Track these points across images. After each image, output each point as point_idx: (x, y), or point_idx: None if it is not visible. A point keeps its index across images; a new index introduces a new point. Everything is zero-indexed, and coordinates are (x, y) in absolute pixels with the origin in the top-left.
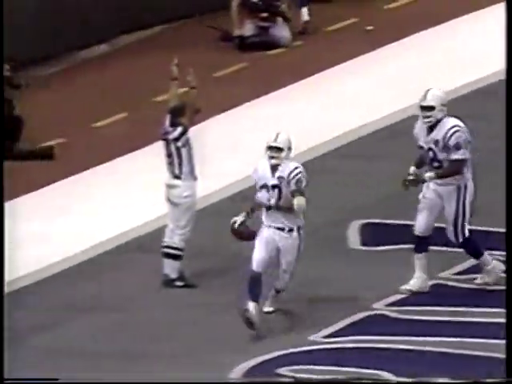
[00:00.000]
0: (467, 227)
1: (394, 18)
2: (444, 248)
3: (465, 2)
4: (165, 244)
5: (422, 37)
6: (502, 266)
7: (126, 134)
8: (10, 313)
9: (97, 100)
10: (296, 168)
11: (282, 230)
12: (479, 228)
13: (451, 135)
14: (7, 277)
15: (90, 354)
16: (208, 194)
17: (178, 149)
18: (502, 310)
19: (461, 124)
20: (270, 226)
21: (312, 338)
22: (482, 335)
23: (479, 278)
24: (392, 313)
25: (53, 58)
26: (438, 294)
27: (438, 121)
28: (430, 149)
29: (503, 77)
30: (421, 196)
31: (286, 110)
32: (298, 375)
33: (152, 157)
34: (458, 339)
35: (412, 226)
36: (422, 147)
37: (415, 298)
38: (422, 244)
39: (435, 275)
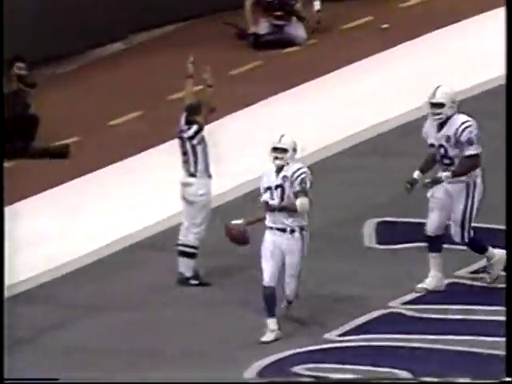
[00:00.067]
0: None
1: (408, 17)
2: (459, 246)
3: (477, 2)
4: (180, 242)
5: (436, 36)
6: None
7: (140, 133)
8: (22, 312)
9: (111, 98)
10: (300, 169)
11: (284, 230)
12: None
13: (463, 131)
14: (21, 276)
15: (103, 351)
16: (223, 193)
17: (193, 147)
18: None
19: (471, 120)
20: (271, 228)
21: (327, 336)
22: (498, 334)
23: (488, 277)
24: (408, 311)
25: (67, 56)
26: (454, 293)
27: (448, 118)
28: (440, 146)
29: None
30: (429, 195)
31: (301, 108)
32: (313, 374)
33: (166, 155)
34: (474, 337)
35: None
36: (432, 145)
37: (431, 296)
38: (435, 243)
39: (451, 274)
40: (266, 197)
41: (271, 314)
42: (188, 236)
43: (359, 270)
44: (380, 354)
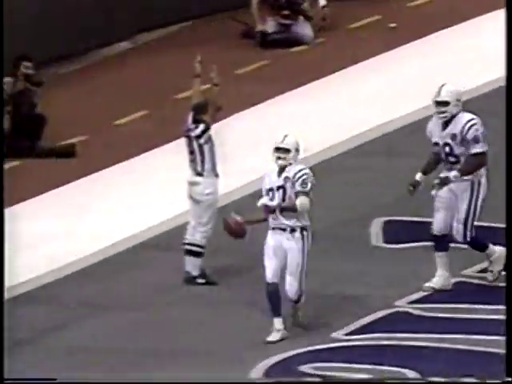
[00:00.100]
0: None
1: (416, 16)
2: (467, 246)
3: (486, 2)
4: (186, 241)
5: (444, 34)
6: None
7: (146, 132)
8: (22, 313)
9: (117, 98)
10: (302, 170)
11: (284, 230)
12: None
13: (469, 128)
14: (26, 275)
15: (108, 351)
16: (229, 192)
17: (200, 146)
18: None
19: (476, 118)
20: (273, 229)
21: (334, 335)
22: (505, 333)
23: (490, 276)
24: (415, 310)
25: (73, 56)
26: (461, 292)
27: (453, 116)
28: (445, 144)
29: None
30: (433, 193)
31: (308, 107)
32: (320, 373)
33: (171, 155)
34: (482, 337)
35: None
36: (437, 143)
37: (438, 295)
38: (441, 243)
39: (458, 273)
40: (264, 200)
41: (277, 314)
42: (195, 235)
43: (365, 270)
44: (387, 353)
